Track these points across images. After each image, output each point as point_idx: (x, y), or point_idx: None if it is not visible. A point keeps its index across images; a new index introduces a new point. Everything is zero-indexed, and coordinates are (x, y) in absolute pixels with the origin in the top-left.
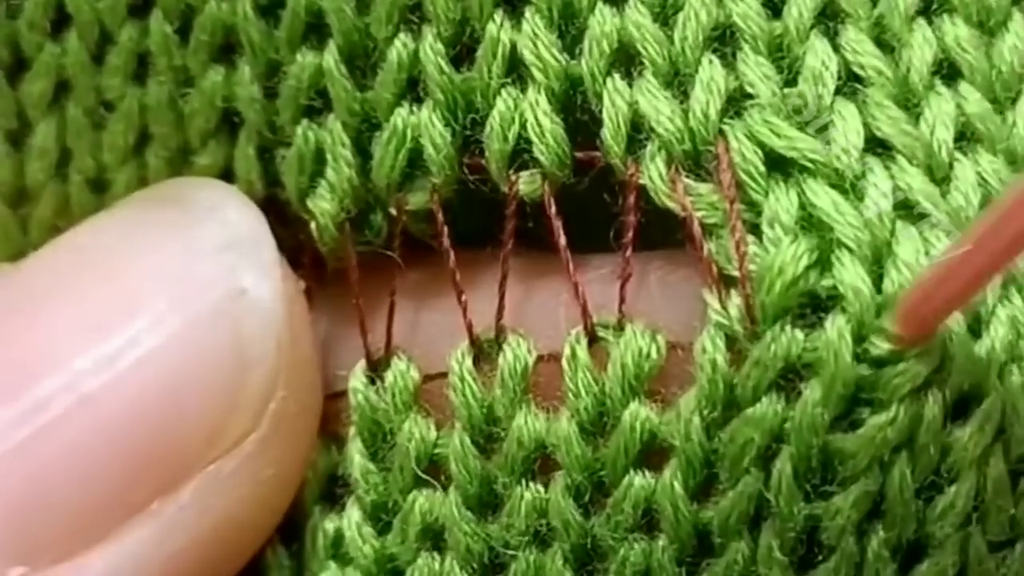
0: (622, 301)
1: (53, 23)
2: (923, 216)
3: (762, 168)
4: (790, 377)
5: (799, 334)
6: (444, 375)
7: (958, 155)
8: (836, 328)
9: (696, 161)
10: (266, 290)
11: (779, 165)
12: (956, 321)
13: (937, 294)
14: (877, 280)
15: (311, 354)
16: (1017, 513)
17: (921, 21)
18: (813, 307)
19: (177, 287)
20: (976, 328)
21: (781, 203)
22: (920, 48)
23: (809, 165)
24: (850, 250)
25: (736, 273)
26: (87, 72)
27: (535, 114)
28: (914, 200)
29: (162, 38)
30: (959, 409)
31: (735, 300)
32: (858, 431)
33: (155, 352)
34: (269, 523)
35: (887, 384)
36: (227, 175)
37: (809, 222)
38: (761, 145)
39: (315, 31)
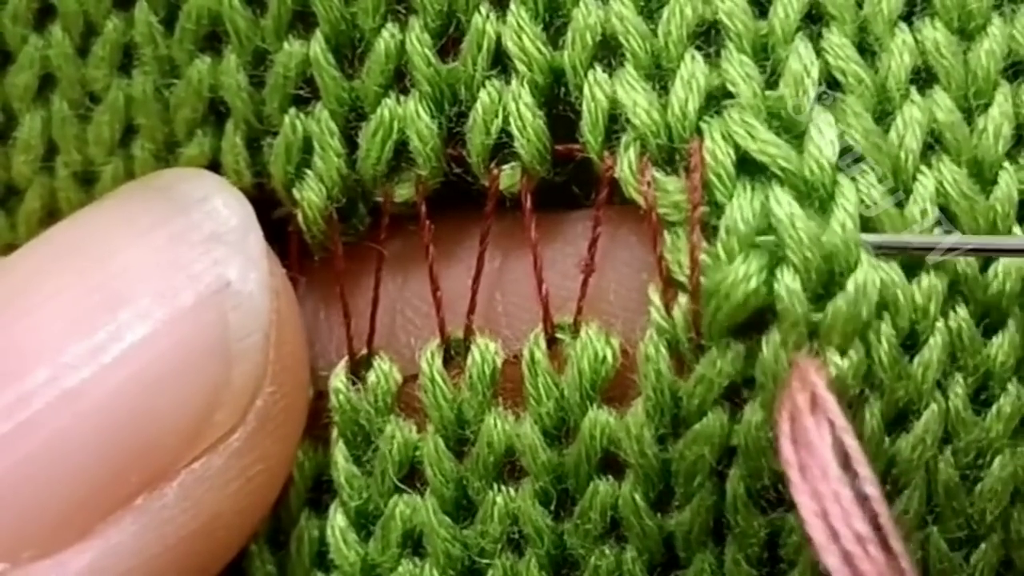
0: (582, 297)
1: (37, 15)
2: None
3: (731, 170)
4: (735, 387)
5: (741, 349)
6: (416, 376)
7: (923, 167)
8: (772, 349)
9: (670, 156)
10: (252, 283)
11: (750, 168)
12: (886, 336)
13: None
14: (817, 298)
15: (300, 350)
16: (975, 513)
17: (903, 25)
18: (755, 319)
19: (161, 280)
20: (913, 342)
21: (743, 211)
22: (899, 53)
23: (779, 173)
24: (795, 269)
25: (684, 280)
26: (72, 64)
27: (517, 107)
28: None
29: (147, 28)
30: (901, 421)
31: (681, 304)
32: None
33: (139, 346)
34: (254, 520)
35: None
36: (215, 166)
37: (767, 231)
38: (736, 147)
39: (301, 20)
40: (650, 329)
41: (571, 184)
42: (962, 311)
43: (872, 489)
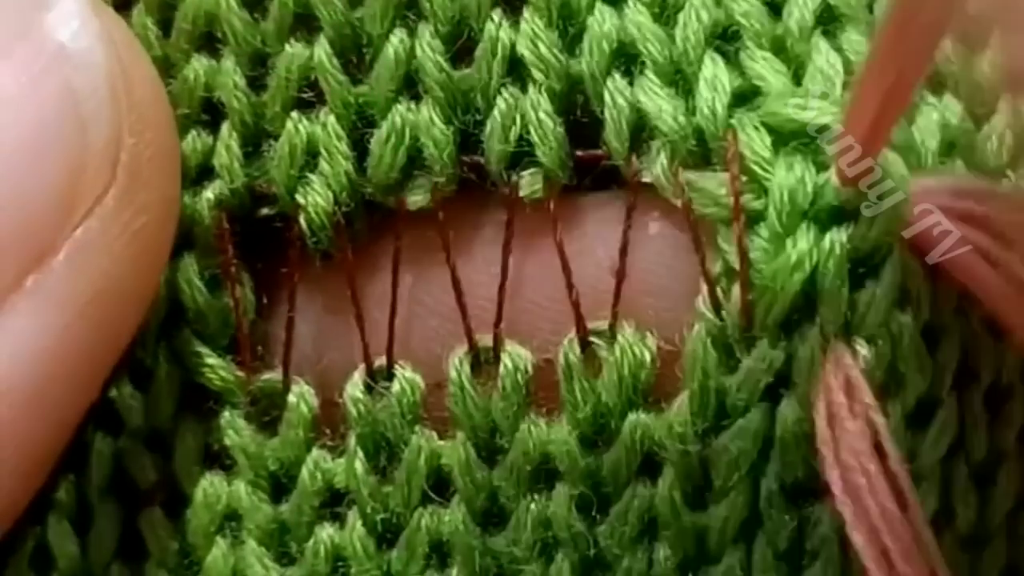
0: (616, 303)
1: None
2: None
3: (771, 158)
4: (771, 382)
5: (784, 343)
6: (439, 384)
7: (940, 168)
8: (809, 344)
9: (704, 158)
10: (85, 39)
11: (788, 152)
12: (907, 330)
13: (863, 115)
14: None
15: (154, 92)
16: (985, 515)
17: None
18: (793, 313)
19: None
20: (932, 335)
21: (786, 190)
22: None
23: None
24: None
25: (736, 266)
26: None
27: (536, 115)
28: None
29: (143, 30)
30: (920, 418)
31: (732, 297)
32: None
33: None
34: (154, 276)
35: None
36: (208, 166)
37: (811, 208)
38: (779, 127)
39: (304, 23)
40: (698, 325)
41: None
42: (974, 313)
43: (900, 468)
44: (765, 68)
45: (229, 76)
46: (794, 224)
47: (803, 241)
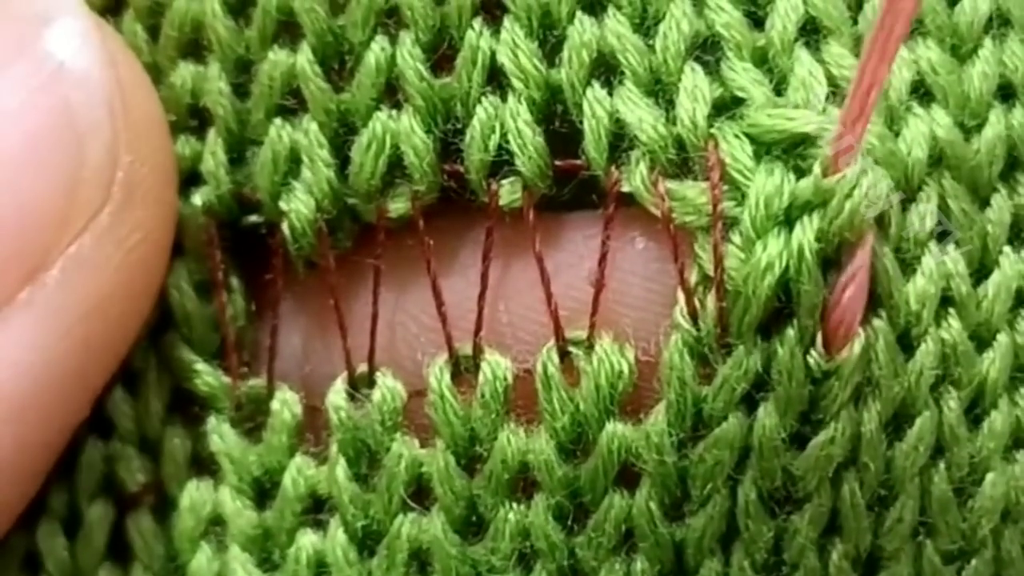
0: (594, 312)
1: None
2: None
3: (752, 166)
4: (748, 390)
5: (764, 347)
6: (420, 392)
7: (928, 178)
8: (788, 347)
9: (684, 167)
10: (85, 58)
11: (768, 160)
12: (883, 335)
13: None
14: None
15: (153, 112)
16: (968, 527)
17: None
18: (770, 318)
19: None
20: (907, 344)
21: (763, 195)
22: (898, 68)
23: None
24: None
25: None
26: None
27: (516, 124)
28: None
29: (133, 37)
30: (896, 427)
31: (707, 307)
32: (804, 452)
33: None
34: (147, 296)
35: (826, 400)
36: (196, 172)
37: (787, 212)
38: (760, 136)
39: (287, 30)
40: (675, 335)
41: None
42: (955, 323)
43: None
44: (746, 79)
45: (214, 83)
46: (766, 228)
47: (774, 245)
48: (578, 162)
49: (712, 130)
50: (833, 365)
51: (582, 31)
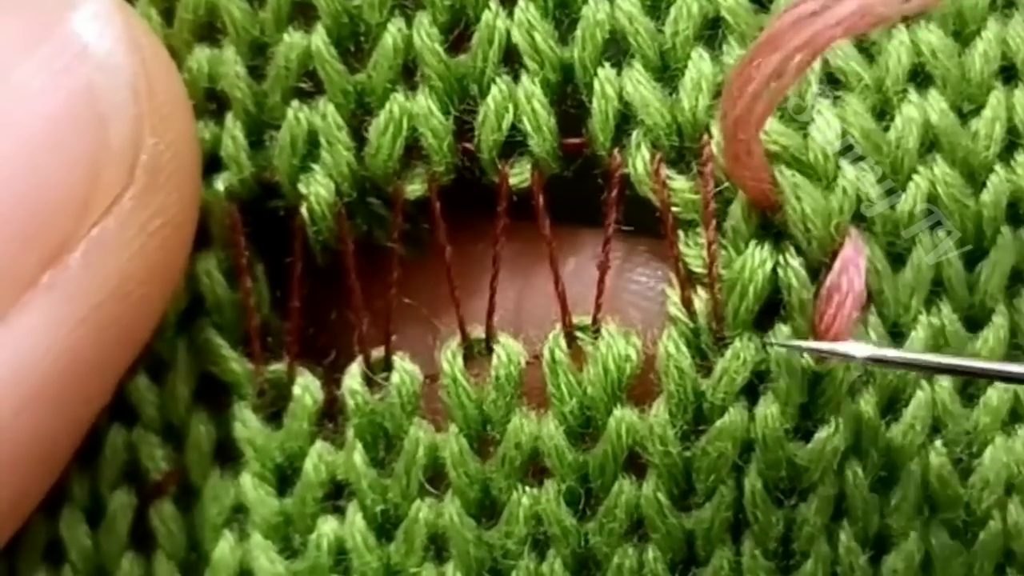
0: (599, 296)
1: None
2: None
3: None
4: (749, 382)
5: (757, 340)
6: (432, 377)
7: (919, 166)
8: (784, 340)
9: (681, 155)
10: (109, 41)
11: None
12: (874, 328)
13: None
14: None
15: (178, 96)
16: (971, 501)
17: (900, 26)
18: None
19: (13, 56)
20: (898, 333)
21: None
22: (896, 53)
23: (790, 162)
24: (800, 253)
25: (703, 271)
26: None
27: (531, 104)
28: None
29: (147, 21)
30: (892, 409)
31: (700, 300)
32: (809, 445)
33: (7, 130)
34: (169, 280)
35: (824, 395)
36: (215, 156)
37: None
38: None
39: (302, 12)
40: (669, 326)
41: (581, 185)
42: (946, 307)
43: None
44: None
45: (230, 66)
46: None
47: (767, 236)
48: (580, 141)
49: (711, 121)
50: (824, 368)
51: (596, 10)
